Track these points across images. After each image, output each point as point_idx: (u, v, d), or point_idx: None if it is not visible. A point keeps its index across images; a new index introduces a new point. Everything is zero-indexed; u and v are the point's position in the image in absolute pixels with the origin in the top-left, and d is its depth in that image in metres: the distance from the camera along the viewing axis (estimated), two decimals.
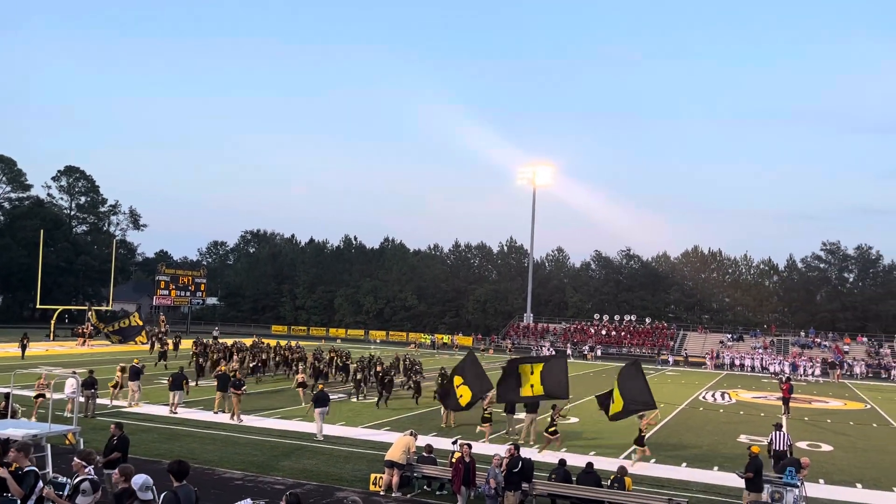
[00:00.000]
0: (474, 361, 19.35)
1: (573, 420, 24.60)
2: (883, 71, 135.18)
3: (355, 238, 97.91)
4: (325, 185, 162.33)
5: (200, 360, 32.82)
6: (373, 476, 15.15)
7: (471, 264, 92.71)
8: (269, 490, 13.95)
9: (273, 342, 43.00)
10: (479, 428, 20.93)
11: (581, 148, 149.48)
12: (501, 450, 14.71)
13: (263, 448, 18.56)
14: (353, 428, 21.92)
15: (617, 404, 18.35)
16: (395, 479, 14.64)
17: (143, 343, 51.35)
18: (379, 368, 29.33)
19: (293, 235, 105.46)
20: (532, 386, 18.39)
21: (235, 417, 21.99)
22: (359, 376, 29.32)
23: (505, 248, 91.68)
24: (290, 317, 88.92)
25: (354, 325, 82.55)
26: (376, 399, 26.80)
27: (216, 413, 23.17)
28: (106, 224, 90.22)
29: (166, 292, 69.72)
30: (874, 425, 28.19)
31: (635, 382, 18.48)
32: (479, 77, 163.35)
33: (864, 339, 63.70)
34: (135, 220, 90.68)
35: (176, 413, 22.86)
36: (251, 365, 33.72)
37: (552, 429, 19.14)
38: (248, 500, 8.60)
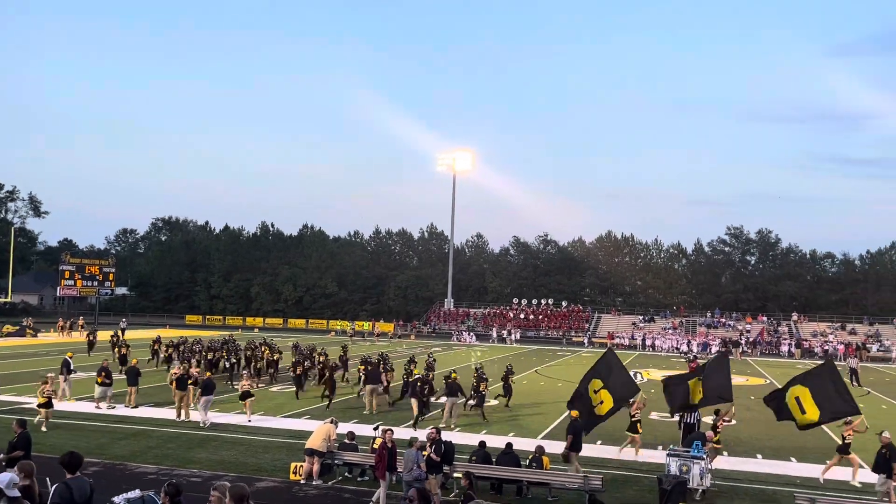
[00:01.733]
0: (615, 361, 16.36)
1: (493, 402, 25.01)
2: (781, 63, 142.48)
3: (272, 225, 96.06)
4: (241, 171, 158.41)
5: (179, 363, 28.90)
6: (293, 465, 15.00)
7: (392, 251, 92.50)
8: (185, 483, 13.58)
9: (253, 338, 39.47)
10: (628, 439, 17.97)
11: (499, 135, 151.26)
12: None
13: (179, 440, 18.06)
14: (272, 417, 21.60)
15: (811, 414, 15.17)
16: (316, 467, 14.54)
17: (32, 335, 49.41)
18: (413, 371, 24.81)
19: (207, 222, 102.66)
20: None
21: (185, 415, 20.82)
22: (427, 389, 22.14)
23: (426, 234, 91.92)
24: (205, 306, 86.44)
25: (273, 314, 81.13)
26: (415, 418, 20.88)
27: (128, 407, 22.40)
28: (2, 211, 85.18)
29: (71, 282, 66.37)
30: None
31: (832, 386, 15.33)
32: (398, 64, 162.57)
33: (764, 319, 67.37)
34: (35, 207, 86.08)
35: (113, 408, 22.00)
36: (226, 365, 29.95)
37: (716, 437, 16.82)
38: (137, 490, 8.54)
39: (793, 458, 18.05)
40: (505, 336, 63.88)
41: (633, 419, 17.77)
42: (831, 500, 12.76)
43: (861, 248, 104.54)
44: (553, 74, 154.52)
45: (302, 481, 14.49)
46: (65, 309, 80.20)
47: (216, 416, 21.05)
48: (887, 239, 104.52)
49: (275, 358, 31.13)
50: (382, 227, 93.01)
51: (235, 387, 24.72)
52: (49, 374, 20.71)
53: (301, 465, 14.76)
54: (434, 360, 29.81)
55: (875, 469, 14.02)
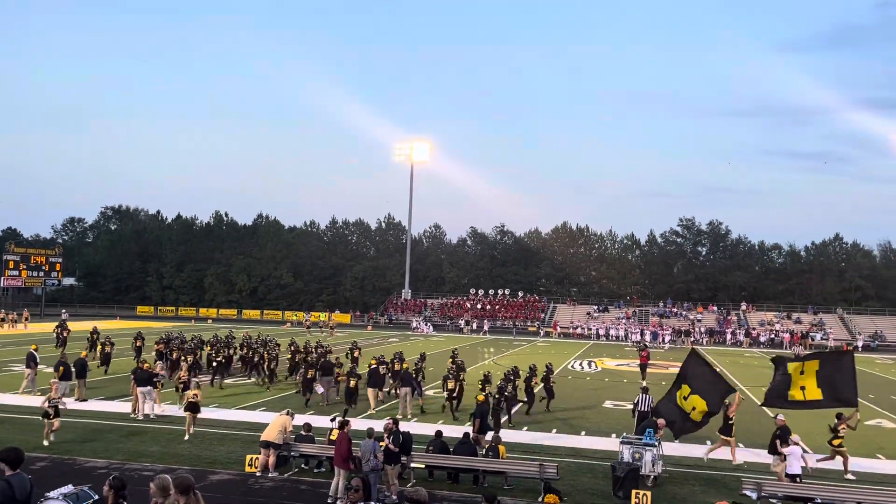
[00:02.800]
0: (701, 363, 15.32)
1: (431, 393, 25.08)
2: (733, 59, 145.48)
3: (226, 214, 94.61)
4: (194, 160, 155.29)
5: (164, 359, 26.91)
6: (248, 457, 14.86)
7: (348, 241, 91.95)
8: (137, 477, 13.36)
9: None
10: (719, 441, 16.78)
11: (457, 126, 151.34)
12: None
13: (131, 433, 17.72)
14: (227, 410, 21.34)
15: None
16: (272, 459, 14.44)
17: None
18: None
19: (159, 211, 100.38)
20: (804, 388, 14.48)
21: (140, 413, 19.96)
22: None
23: (383, 224, 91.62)
24: (157, 297, 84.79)
25: (227, 305, 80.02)
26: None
27: (77, 401, 21.88)
28: None
29: (16, 273, 64.47)
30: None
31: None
32: (355, 53, 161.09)
33: (715, 308, 69.05)
34: None
35: (63, 404, 21.24)
36: (215, 362, 26.76)
37: (837, 441, 15.78)
38: (70, 485, 8.43)
39: (740, 445, 18.55)
40: (463, 326, 64.28)
41: (728, 421, 16.59)
42: (775, 485, 13.19)
43: (806, 239, 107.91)
44: (510, 67, 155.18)
45: (258, 473, 14.37)
46: (9, 300, 77.64)
47: (174, 410, 20.71)
48: (831, 231, 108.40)
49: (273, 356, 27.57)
50: (339, 217, 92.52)
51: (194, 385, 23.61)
52: (53, 381, 18.49)
53: (257, 458, 14.63)
54: (460, 360, 26.83)
55: (770, 451, 14.66)
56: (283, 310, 76.65)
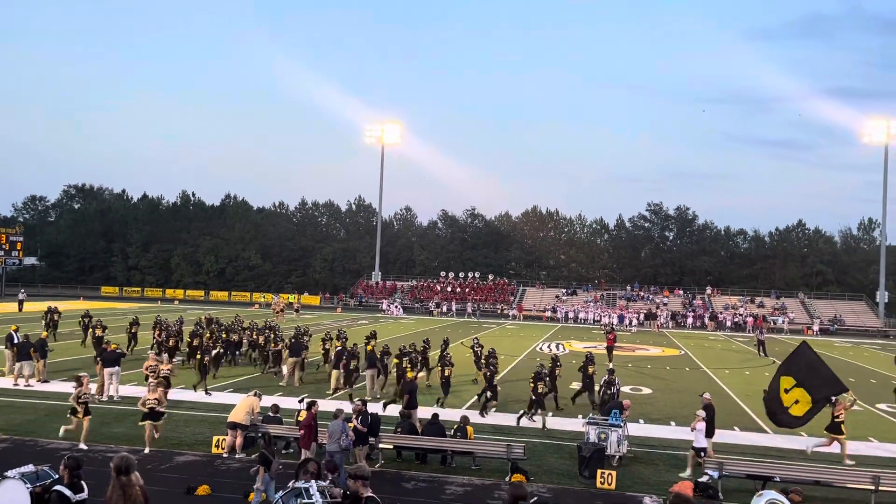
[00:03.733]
0: (812, 357, 14.39)
1: (421, 374, 25.15)
2: (703, 46, 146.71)
3: (193, 194, 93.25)
4: (161, 138, 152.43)
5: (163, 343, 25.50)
6: (215, 438, 14.77)
7: (318, 222, 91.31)
8: (101, 458, 13.20)
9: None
10: (826, 439, 15.64)
11: (428, 108, 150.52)
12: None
13: (95, 415, 17.44)
14: (193, 391, 21.13)
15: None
16: (239, 441, 14.37)
17: None
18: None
19: (124, 191, 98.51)
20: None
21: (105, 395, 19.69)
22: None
23: (353, 206, 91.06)
24: (123, 277, 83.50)
25: (194, 286, 79.09)
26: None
27: (38, 381, 21.53)
28: None
29: None
30: (687, 369, 31.25)
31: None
32: (326, 34, 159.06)
33: (681, 292, 70.09)
34: None
35: (30, 386, 20.99)
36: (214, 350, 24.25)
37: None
38: (31, 465, 8.37)
39: (672, 423, 18.92)
40: (433, 309, 64.41)
41: (835, 419, 15.50)
42: (736, 464, 13.49)
43: (770, 225, 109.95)
44: (483, 51, 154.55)
45: (224, 455, 14.29)
46: None
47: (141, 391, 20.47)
48: (794, 217, 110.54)
49: (278, 347, 25.56)
50: (309, 199, 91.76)
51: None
52: (83, 375, 15.71)
53: (224, 439, 14.55)
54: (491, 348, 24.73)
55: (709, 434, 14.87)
56: (251, 291, 76.00)
